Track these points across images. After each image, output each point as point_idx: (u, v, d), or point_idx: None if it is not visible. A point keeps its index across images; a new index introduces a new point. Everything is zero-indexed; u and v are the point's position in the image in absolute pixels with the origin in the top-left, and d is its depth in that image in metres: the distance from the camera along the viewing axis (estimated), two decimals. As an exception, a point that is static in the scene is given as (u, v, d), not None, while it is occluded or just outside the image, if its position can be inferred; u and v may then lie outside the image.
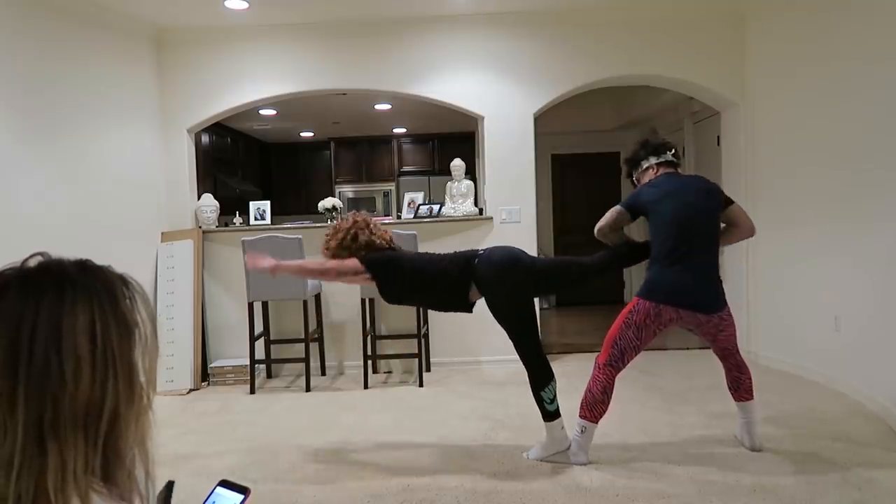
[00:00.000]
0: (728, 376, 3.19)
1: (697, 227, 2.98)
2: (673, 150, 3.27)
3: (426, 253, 3.32)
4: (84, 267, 0.81)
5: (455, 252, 3.27)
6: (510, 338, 3.12)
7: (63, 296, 0.76)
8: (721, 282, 3.05)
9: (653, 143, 3.31)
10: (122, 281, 0.83)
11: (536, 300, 4.30)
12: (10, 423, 0.71)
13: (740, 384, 3.15)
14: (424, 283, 3.15)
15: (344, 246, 3.20)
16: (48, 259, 0.80)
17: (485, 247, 3.25)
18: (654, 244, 3.07)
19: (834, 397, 3.96)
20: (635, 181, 3.35)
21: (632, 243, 3.31)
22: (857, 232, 3.85)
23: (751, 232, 3.15)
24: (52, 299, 0.75)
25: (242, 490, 0.92)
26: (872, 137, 3.67)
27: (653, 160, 3.24)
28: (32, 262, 0.79)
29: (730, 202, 3.11)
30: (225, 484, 0.93)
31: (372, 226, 3.27)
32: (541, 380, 3.06)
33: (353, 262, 3.14)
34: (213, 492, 0.92)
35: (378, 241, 3.22)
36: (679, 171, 3.27)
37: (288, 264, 3.28)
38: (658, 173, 3.21)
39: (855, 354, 3.91)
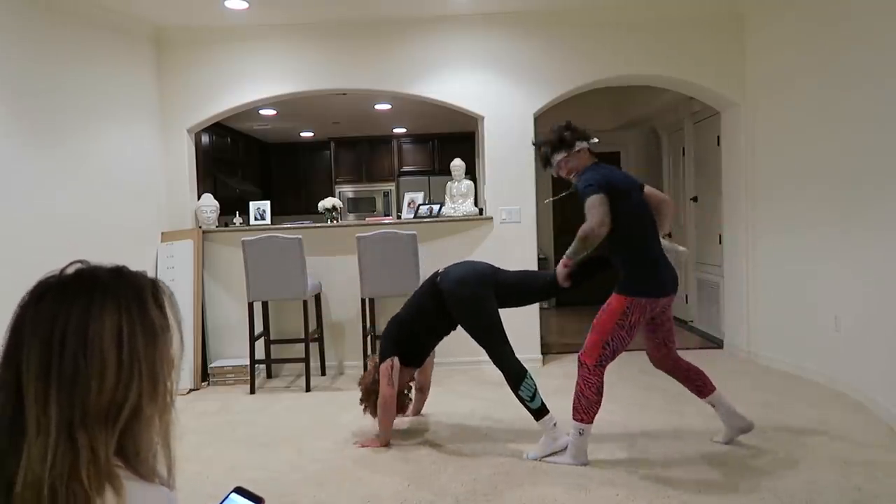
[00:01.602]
0: (689, 386, 3.20)
1: (651, 218, 3.08)
2: (593, 140, 3.18)
3: (402, 308, 3.53)
4: (118, 273, 0.85)
5: (420, 286, 3.53)
6: (481, 346, 3.30)
7: (92, 301, 0.80)
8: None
9: (579, 128, 3.15)
10: (153, 286, 0.87)
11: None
12: (43, 420, 0.76)
13: (703, 384, 3.17)
14: (420, 325, 3.42)
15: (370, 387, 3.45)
16: (85, 266, 0.84)
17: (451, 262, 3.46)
18: (629, 240, 3.00)
19: (834, 397, 3.96)
20: (557, 167, 3.17)
21: (600, 256, 3.28)
22: (858, 231, 3.84)
23: (669, 203, 3.19)
24: (83, 305, 0.80)
25: (258, 500, 0.90)
26: (872, 137, 3.67)
27: (585, 144, 3.13)
28: (70, 269, 0.84)
29: (642, 186, 3.15)
30: (240, 491, 0.91)
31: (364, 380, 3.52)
32: (516, 379, 3.19)
33: (384, 366, 3.35)
34: (227, 498, 0.91)
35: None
36: None
37: (385, 422, 3.39)
38: (591, 160, 3.14)
39: (855, 354, 3.90)
